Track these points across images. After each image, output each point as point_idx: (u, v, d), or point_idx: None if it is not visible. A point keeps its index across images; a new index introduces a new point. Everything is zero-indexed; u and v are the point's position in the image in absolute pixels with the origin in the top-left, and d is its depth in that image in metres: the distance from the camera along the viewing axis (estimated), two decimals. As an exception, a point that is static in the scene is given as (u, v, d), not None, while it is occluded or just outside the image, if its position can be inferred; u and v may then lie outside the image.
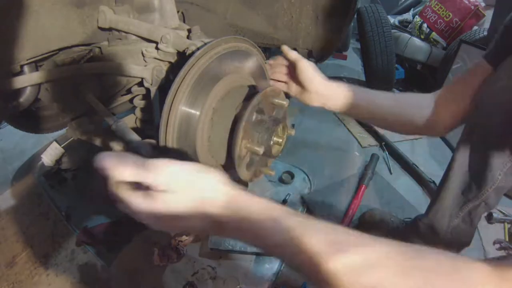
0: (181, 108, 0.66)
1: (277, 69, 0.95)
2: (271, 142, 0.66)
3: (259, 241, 0.43)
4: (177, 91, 0.64)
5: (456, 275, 0.37)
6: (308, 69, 0.88)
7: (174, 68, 0.85)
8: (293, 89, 0.94)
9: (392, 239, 0.41)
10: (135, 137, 0.86)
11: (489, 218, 1.40)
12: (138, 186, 0.46)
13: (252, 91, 0.74)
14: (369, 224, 1.32)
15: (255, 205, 0.44)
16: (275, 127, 0.67)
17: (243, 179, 0.67)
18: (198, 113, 0.68)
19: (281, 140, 0.72)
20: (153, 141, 0.68)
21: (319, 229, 0.41)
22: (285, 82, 0.95)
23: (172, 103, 0.64)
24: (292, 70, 0.91)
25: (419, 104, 0.98)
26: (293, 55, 0.89)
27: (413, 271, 0.37)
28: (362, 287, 0.37)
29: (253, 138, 0.65)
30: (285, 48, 0.91)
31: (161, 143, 0.66)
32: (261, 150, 0.63)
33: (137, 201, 0.45)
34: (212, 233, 0.42)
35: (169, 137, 0.65)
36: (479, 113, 0.88)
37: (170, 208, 0.44)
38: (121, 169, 0.45)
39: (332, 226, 0.42)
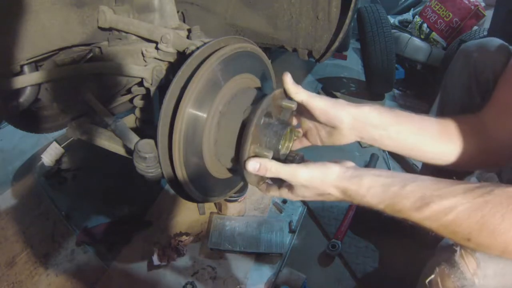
0: (188, 110, 0.64)
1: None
2: (279, 146, 0.66)
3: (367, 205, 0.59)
4: (182, 92, 0.63)
5: None
6: (322, 103, 0.68)
7: (174, 68, 0.85)
8: (323, 134, 0.75)
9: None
10: (134, 136, 0.86)
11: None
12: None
13: (259, 94, 0.73)
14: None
15: (362, 189, 0.59)
16: (283, 131, 0.66)
17: (250, 184, 0.67)
18: (205, 115, 0.66)
19: (290, 144, 0.70)
20: None
21: (409, 191, 0.55)
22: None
23: (178, 104, 0.63)
24: (308, 113, 0.71)
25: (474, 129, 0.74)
26: (298, 96, 0.68)
27: (483, 205, 0.49)
28: (445, 223, 0.52)
29: (261, 142, 0.65)
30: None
31: (160, 144, 0.65)
32: (270, 155, 0.62)
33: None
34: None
35: (175, 139, 0.63)
36: None
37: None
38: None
39: (418, 184, 0.56)
